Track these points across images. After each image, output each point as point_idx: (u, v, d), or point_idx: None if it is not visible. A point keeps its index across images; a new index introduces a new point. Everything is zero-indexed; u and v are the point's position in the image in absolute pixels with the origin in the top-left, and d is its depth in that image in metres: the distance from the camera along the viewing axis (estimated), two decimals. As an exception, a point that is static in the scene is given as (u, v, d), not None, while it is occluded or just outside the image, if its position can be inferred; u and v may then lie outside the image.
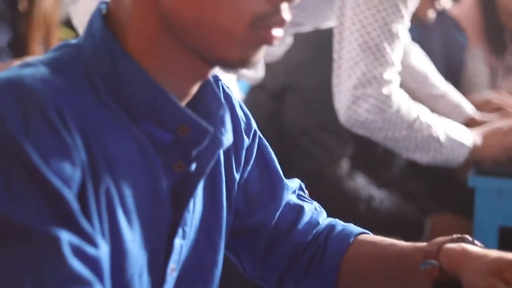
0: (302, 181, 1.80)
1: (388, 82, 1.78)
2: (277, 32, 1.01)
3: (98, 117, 0.97)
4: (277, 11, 0.99)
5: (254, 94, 2.14)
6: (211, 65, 1.03)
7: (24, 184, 0.87)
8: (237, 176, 1.21)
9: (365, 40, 1.72)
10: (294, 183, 1.33)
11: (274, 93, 2.05)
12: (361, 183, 2.06)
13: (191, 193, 1.06)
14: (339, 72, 1.79)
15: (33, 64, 0.97)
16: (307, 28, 1.97)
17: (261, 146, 1.27)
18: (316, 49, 2.04)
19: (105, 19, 1.02)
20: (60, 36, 3.34)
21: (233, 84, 1.89)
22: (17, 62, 2.90)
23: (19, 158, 0.87)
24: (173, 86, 1.02)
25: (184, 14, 0.97)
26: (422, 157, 1.94)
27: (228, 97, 1.21)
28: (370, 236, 1.29)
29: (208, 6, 0.96)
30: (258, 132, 1.27)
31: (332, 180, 2.02)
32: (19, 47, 3.28)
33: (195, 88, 1.06)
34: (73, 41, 1.03)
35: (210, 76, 1.06)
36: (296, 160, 2.04)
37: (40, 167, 0.87)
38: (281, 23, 1.00)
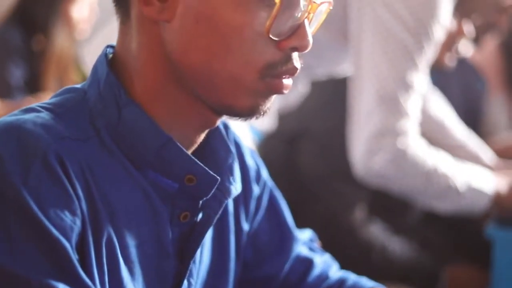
0: (316, 229, 1.76)
1: (403, 133, 1.76)
2: (287, 81, 0.98)
3: (101, 164, 0.94)
4: (288, 59, 0.97)
5: (267, 141, 2.12)
6: (220, 113, 1.00)
7: (23, 234, 0.85)
8: (246, 226, 1.17)
9: (379, 90, 1.70)
10: (304, 234, 1.29)
11: (288, 140, 2.03)
12: (375, 231, 2.02)
13: (197, 243, 1.03)
14: (354, 121, 1.77)
15: (35, 109, 0.95)
16: (319, 71, 1.95)
17: (271, 196, 1.23)
18: (331, 96, 2.02)
19: (111, 64, 0.99)
20: (73, 76, 3.36)
21: (246, 131, 1.87)
22: (31, 100, 2.91)
23: (18, 207, 0.85)
24: (180, 134, 0.99)
25: (192, 61, 0.95)
26: (440, 207, 1.90)
27: (237, 145, 1.18)
28: None
29: (217, 54, 0.94)
30: (269, 182, 1.24)
31: (346, 228, 1.98)
32: (34, 84, 3.30)
33: (202, 136, 1.04)
34: (78, 85, 1.01)
35: (218, 124, 1.03)
36: (310, 208, 2.00)
37: (39, 217, 0.85)
38: (292, 72, 0.98)
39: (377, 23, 1.74)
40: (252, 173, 1.19)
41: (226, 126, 1.16)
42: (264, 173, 1.22)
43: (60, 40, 3.34)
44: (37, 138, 0.89)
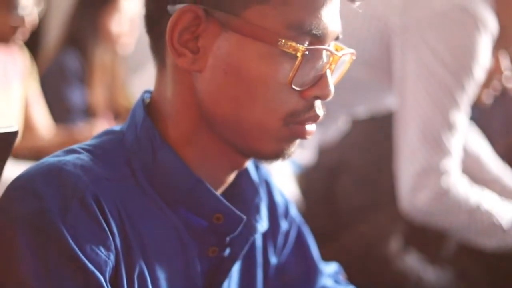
0: (352, 259, 1.83)
1: (446, 172, 1.80)
2: (310, 127, 1.05)
3: (136, 202, 1.02)
4: (311, 107, 1.04)
5: (308, 173, 2.19)
6: (247, 156, 1.08)
7: (60, 267, 0.93)
8: (274, 260, 1.24)
9: (424, 130, 1.75)
10: (330, 267, 1.35)
11: (328, 173, 2.09)
12: (411, 262, 2.06)
13: (224, 277, 1.10)
14: (400, 159, 1.82)
15: (76, 151, 1.03)
16: (360, 108, 2.02)
17: (299, 231, 1.30)
18: (369, 133, 2.08)
19: (147, 108, 1.07)
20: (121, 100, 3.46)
21: (286, 164, 1.93)
22: (85, 127, 3.02)
23: (57, 242, 0.93)
24: (210, 175, 1.07)
25: (221, 109, 1.02)
26: (484, 244, 1.93)
27: (267, 184, 1.25)
28: None
29: (243, 103, 1.01)
30: (297, 218, 1.30)
31: (381, 259, 2.03)
32: (92, 108, 3.41)
33: (231, 177, 1.11)
34: (117, 128, 1.09)
35: (245, 165, 1.11)
36: (346, 238, 2.06)
37: (76, 252, 0.93)
38: (314, 119, 1.05)
39: (420, 65, 1.79)
40: (281, 210, 1.26)
41: (257, 167, 1.23)
42: (292, 210, 1.29)
43: (100, 55, 3.44)
44: (76, 179, 0.97)
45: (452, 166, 1.83)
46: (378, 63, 1.81)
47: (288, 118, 1.02)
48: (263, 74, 1.00)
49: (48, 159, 1.01)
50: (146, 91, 1.11)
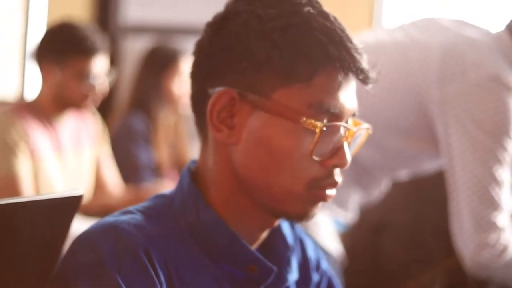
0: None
1: (504, 228, 1.93)
2: (330, 191, 1.22)
3: (182, 256, 1.20)
4: (330, 175, 1.21)
5: (352, 232, 2.35)
6: (277, 217, 1.25)
7: None
8: None
9: (475, 190, 1.89)
10: None
11: (371, 231, 2.24)
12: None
13: None
14: (456, 219, 1.94)
15: (132, 212, 1.22)
16: (402, 172, 2.17)
17: (329, 282, 1.45)
18: (410, 193, 2.23)
19: (193, 175, 1.26)
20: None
21: (329, 223, 2.09)
22: (152, 187, 3.22)
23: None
24: (246, 232, 1.24)
25: (253, 176, 1.21)
26: None
27: (301, 241, 1.42)
28: None
29: (272, 171, 1.19)
30: (329, 271, 1.46)
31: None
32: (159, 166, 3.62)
33: (264, 234, 1.28)
34: (167, 192, 1.28)
35: (276, 224, 1.28)
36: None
37: None
38: (333, 184, 1.22)
39: (463, 132, 1.93)
40: (313, 264, 1.42)
41: (292, 225, 1.41)
42: (324, 264, 1.45)
43: (164, 116, 3.66)
44: (130, 236, 1.15)
45: (506, 220, 1.95)
46: (417, 132, 1.96)
47: (311, 183, 1.20)
48: (288, 147, 1.18)
49: (107, 218, 1.20)
50: (192, 161, 1.29)
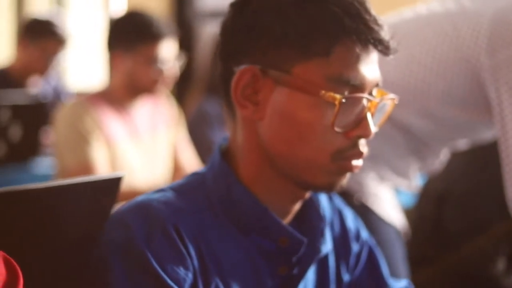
0: (458, 282, 1.99)
1: None
2: (356, 162, 1.25)
3: (213, 230, 1.25)
4: (355, 145, 1.24)
5: (419, 201, 2.36)
6: (305, 189, 1.28)
7: (145, 284, 1.16)
8: (346, 278, 1.43)
9: None
10: (401, 283, 1.52)
11: (434, 201, 2.25)
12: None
13: None
14: (507, 179, 1.94)
15: (164, 189, 1.27)
16: (461, 142, 2.15)
17: (370, 252, 1.48)
18: (470, 162, 2.22)
19: (225, 152, 1.30)
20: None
21: (390, 193, 2.10)
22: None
23: (142, 263, 1.17)
24: (276, 206, 1.28)
25: (279, 150, 1.24)
26: None
27: (340, 212, 1.44)
28: None
29: (296, 143, 1.22)
30: (369, 241, 1.48)
31: (487, 280, 2.16)
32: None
33: (296, 206, 1.31)
34: (201, 170, 1.32)
35: (306, 196, 1.31)
36: (453, 262, 2.21)
37: (158, 271, 1.16)
38: (358, 155, 1.24)
39: None
40: (352, 234, 1.45)
41: (331, 197, 1.44)
42: (364, 234, 1.47)
43: None
44: (159, 212, 1.20)
45: None
46: (470, 101, 1.94)
47: (335, 155, 1.22)
48: (310, 120, 1.21)
49: (139, 198, 1.25)
50: (224, 138, 1.33)
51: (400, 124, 2.00)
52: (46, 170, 3.51)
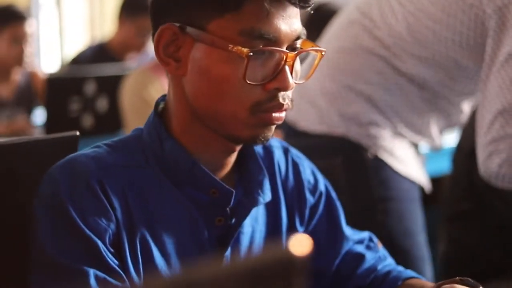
0: (487, 232, 1.98)
1: None
2: (277, 114, 1.27)
3: (147, 185, 1.30)
4: (274, 98, 1.26)
5: (454, 156, 2.32)
6: (231, 142, 1.31)
7: (66, 235, 1.23)
8: (300, 229, 1.45)
9: (503, 103, 1.82)
10: (360, 235, 1.52)
11: (466, 155, 2.20)
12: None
13: (229, 241, 1.34)
14: (479, 131, 1.90)
15: (98, 145, 1.33)
16: (474, 94, 2.10)
17: (328, 204, 1.49)
18: None
19: (162, 109, 1.35)
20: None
21: (410, 151, 2.08)
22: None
23: (64, 216, 1.23)
24: (208, 158, 1.32)
25: (202, 104, 1.28)
26: None
27: (295, 164, 1.47)
28: (416, 281, 1.45)
29: (216, 97, 1.26)
30: (329, 193, 1.50)
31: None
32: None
33: (232, 158, 1.35)
34: (142, 127, 1.38)
35: (237, 149, 1.34)
36: (482, 214, 2.17)
37: (78, 223, 1.23)
38: (278, 107, 1.26)
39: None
40: (308, 186, 1.47)
41: (287, 151, 1.46)
42: (321, 186, 1.49)
43: None
44: (84, 167, 1.27)
45: None
46: (477, 48, 1.90)
47: (254, 107, 1.25)
48: (225, 74, 1.24)
49: (73, 154, 1.32)
50: (163, 95, 1.38)
51: (413, 78, 1.98)
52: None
